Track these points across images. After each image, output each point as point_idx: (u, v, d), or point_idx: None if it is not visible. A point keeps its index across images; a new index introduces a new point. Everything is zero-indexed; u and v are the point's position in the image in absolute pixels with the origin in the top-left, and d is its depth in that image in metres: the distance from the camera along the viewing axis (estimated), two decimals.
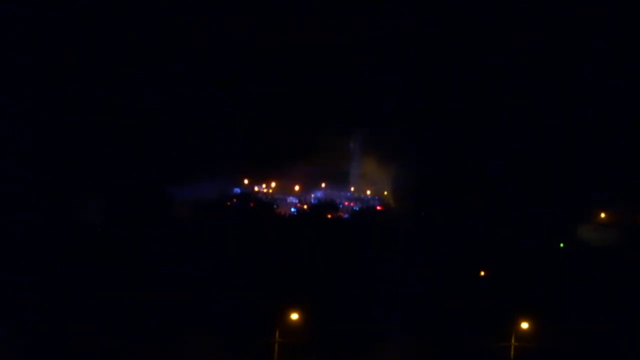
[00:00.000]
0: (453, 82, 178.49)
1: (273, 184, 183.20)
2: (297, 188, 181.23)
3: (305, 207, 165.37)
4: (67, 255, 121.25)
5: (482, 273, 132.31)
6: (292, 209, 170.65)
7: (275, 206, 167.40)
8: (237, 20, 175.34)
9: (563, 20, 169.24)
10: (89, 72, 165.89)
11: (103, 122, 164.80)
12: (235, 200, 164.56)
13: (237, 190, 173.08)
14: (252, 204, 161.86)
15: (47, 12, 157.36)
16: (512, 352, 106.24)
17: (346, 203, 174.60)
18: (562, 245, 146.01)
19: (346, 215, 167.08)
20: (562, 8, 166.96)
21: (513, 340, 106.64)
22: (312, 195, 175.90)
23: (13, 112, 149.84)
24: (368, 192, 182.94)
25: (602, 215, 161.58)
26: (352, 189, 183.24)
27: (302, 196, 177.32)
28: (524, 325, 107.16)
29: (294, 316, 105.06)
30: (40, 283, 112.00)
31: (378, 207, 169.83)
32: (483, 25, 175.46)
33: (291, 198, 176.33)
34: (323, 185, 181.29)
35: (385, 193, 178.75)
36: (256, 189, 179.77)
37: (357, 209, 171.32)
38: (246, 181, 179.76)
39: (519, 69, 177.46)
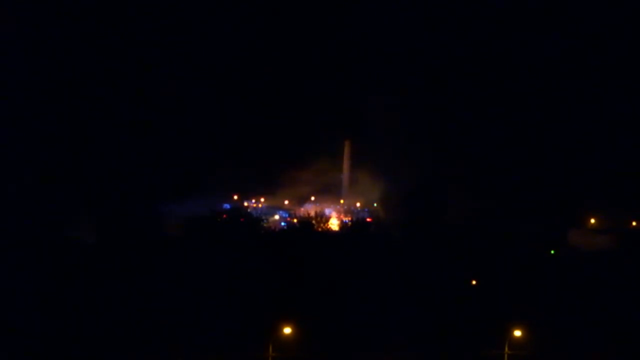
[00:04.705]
0: (441, 95, 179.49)
1: (262, 199, 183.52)
2: (286, 202, 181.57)
3: (295, 220, 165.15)
4: (59, 272, 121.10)
5: (474, 282, 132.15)
6: (282, 223, 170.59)
7: (264, 221, 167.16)
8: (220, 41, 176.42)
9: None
10: (82, 89, 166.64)
11: (94, 140, 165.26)
12: (225, 216, 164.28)
13: (227, 206, 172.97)
14: (242, 220, 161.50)
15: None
16: None
17: (336, 215, 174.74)
18: (552, 252, 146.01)
19: (336, 228, 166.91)
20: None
21: (506, 349, 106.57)
22: (302, 209, 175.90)
23: (4, 127, 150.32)
24: (358, 204, 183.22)
25: (593, 221, 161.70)
26: (342, 201, 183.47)
27: (291, 210, 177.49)
28: (517, 333, 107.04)
29: (287, 330, 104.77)
30: (33, 299, 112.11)
31: (368, 219, 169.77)
32: (473, 32, 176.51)
33: (281, 212, 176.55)
34: (312, 198, 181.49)
35: (375, 205, 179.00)
36: (246, 204, 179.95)
37: (347, 221, 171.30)
38: (235, 197, 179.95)
39: (506, 75, 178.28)
